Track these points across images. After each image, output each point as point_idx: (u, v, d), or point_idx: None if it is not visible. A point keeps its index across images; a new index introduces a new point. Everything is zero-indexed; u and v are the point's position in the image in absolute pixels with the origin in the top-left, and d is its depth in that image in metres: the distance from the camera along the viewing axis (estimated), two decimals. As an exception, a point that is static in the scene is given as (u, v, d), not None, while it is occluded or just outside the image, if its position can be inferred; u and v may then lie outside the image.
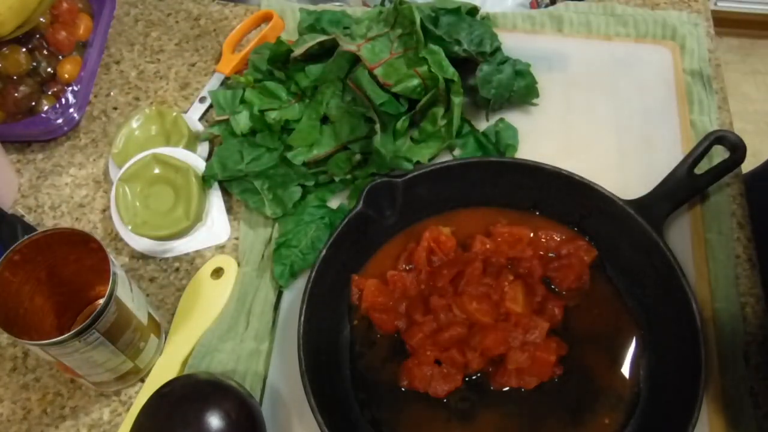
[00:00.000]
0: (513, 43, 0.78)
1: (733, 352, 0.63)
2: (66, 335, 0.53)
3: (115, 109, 0.82)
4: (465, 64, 0.74)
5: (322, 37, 0.73)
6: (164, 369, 0.65)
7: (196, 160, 0.74)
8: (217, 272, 0.69)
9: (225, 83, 0.82)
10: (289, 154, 0.71)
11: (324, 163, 0.72)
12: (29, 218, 0.75)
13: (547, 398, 0.60)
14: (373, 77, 0.69)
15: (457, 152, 0.75)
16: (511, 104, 0.77)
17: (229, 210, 0.74)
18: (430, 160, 0.72)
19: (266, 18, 0.85)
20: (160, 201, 0.72)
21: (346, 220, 0.64)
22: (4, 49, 0.78)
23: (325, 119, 0.73)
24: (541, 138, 0.75)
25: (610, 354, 0.62)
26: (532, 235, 0.67)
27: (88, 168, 0.78)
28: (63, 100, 0.78)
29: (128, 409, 0.64)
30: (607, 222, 0.66)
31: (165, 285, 0.70)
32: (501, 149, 0.74)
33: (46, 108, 0.78)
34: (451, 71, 0.70)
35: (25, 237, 0.56)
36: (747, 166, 0.72)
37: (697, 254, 0.67)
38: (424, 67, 0.70)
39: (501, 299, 0.61)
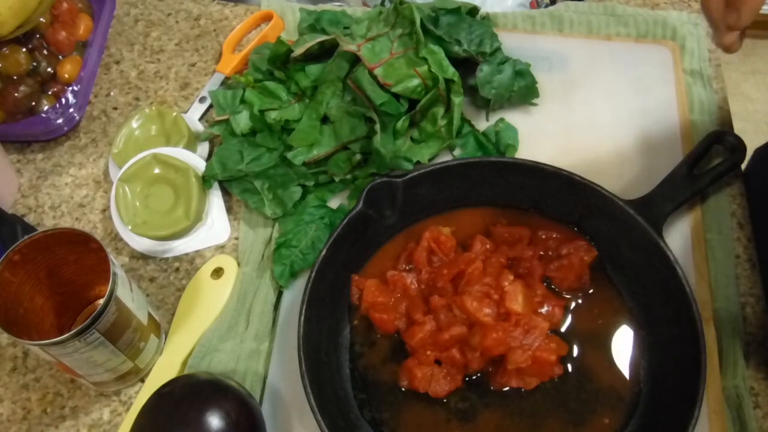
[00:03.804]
0: (513, 43, 0.78)
1: (733, 352, 0.63)
2: (66, 335, 0.53)
3: (115, 109, 0.82)
4: (465, 64, 0.74)
5: (322, 37, 0.73)
6: (164, 369, 0.65)
7: (196, 160, 0.74)
8: (217, 272, 0.69)
9: (225, 83, 0.82)
10: (289, 154, 0.71)
11: (324, 163, 0.72)
12: (29, 218, 0.75)
13: (547, 398, 0.60)
14: (373, 77, 0.69)
15: (457, 152, 0.75)
16: (511, 104, 0.77)
17: (229, 210, 0.74)
18: (430, 160, 0.72)
19: (266, 18, 0.85)
20: (160, 201, 0.72)
21: (346, 220, 0.64)
22: (4, 49, 0.78)
23: (325, 119, 0.73)
24: (541, 138, 0.75)
25: (610, 354, 0.62)
26: (532, 235, 0.67)
27: (88, 168, 0.78)
28: (63, 100, 0.78)
29: (128, 409, 0.64)
30: (607, 222, 0.66)
31: (165, 285, 0.70)
32: (501, 149, 0.74)
33: (46, 108, 0.78)
34: (451, 71, 0.70)
35: (25, 237, 0.56)
36: (747, 166, 0.72)
37: (697, 254, 0.67)
38: (424, 67, 0.70)
39: (501, 299, 0.61)
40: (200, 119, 0.80)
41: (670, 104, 0.77)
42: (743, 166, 0.72)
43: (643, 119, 0.76)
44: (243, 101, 0.75)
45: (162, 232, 0.70)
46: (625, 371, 0.61)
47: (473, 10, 0.78)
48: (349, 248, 0.65)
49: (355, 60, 0.71)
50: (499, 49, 0.76)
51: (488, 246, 0.66)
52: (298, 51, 0.73)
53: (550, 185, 0.67)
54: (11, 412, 0.64)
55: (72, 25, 0.82)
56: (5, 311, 0.56)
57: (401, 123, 0.70)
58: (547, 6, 0.95)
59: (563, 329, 0.63)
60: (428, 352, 0.61)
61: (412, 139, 0.73)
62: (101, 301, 0.54)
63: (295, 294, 0.68)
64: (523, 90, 0.76)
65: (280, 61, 0.76)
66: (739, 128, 0.74)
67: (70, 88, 0.79)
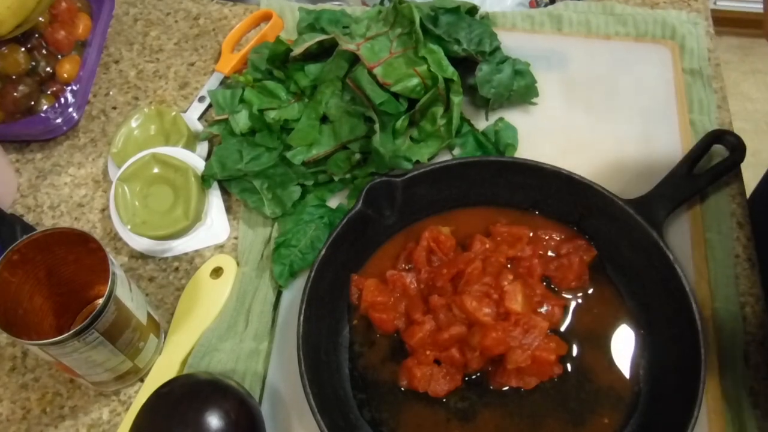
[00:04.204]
0: (512, 43, 0.78)
1: (733, 352, 0.63)
2: (65, 335, 0.53)
3: (114, 108, 0.82)
4: (464, 64, 0.74)
5: (322, 37, 0.73)
6: (163, 369, 0.65)
7: (196, 160, 0.74)
8: (217, 272, 0.69)
9: (224, 83, 0.82)
10: (288, 154, 0.71)
11: (323, 162, 0.72)
12: (28, 218, 0.75)
13: (547, 398, 0.60)
14: (373, 77, 0.69)
15: (456, 152, 0.75)
16: (510, 104, 0.77)
17: (229, 209, 0.74)
18: (429, 159, 0.72)
19: (265, 17, 0.85)
20: (159, 200, 0.72)
21: (346, 219, 0.64)
22: (3, 48, 0.78)
23: (324, 119, 0.73)
24: (541, 137, 0.75)
25: (610, 354, 0.62)
26: (531, 234, 0.67)
27: (87, 167, 0.78)
28: (62, 100, 0.78)
29: (127, 409, 0.64)
30: (607, 222, 0.66)
31: (164, 285, 0.70)
32: (500, 149, 0.74)
33: (45, 107, 0.78)
34: (450, 71, 0.70)
35: (24, 237, 0.56)
36: (746, 165, 0.72)
37: (696, 254, 0.67)
38: (424, 67, 0.70)
39: (500, 299, 0.61)
40: (199, 119, 0.80)
41: (669, 104, 0.77)
42: (744, 167, 0.72)
43: (642, 119, 0.76)
44: (242, 101, 0.75)
45: (161, 231, 0.70)
46: (625, 371, 0.61)
47: (472, 10, 0.78)
48: (348, 248, 0.65)
49: (354, 59, 0.71)
50: (498, 48, 0.76)
51: (488, 245, 0.65)
52: (298, 50, 0.73)
53: (550, 185, 0.67)
54: (11, 412, 0.64)
55: (71, 24, 0.82)
56: (4, 311, 0.55)
57: (400, 122, 0.70)
58: (546, 5, 0.95)
59: (563, 329, 0.63)
60: (428, 352, 0.61)
61: (411, 138, 0.73)
62: (100, 301, 0.54)
63: (294, 294, 0.68)
64: (523, 89, 0.76)
65: (280, 61, 0.76)
66: (738, 128, 0.74)
67: (69, 88, 0.79)
